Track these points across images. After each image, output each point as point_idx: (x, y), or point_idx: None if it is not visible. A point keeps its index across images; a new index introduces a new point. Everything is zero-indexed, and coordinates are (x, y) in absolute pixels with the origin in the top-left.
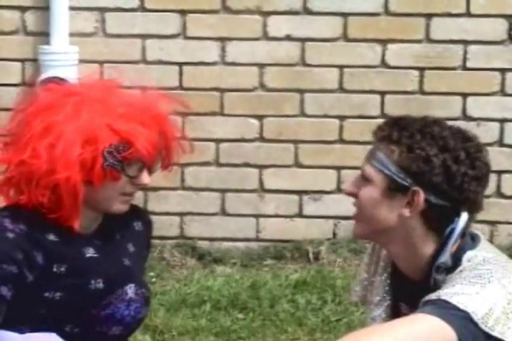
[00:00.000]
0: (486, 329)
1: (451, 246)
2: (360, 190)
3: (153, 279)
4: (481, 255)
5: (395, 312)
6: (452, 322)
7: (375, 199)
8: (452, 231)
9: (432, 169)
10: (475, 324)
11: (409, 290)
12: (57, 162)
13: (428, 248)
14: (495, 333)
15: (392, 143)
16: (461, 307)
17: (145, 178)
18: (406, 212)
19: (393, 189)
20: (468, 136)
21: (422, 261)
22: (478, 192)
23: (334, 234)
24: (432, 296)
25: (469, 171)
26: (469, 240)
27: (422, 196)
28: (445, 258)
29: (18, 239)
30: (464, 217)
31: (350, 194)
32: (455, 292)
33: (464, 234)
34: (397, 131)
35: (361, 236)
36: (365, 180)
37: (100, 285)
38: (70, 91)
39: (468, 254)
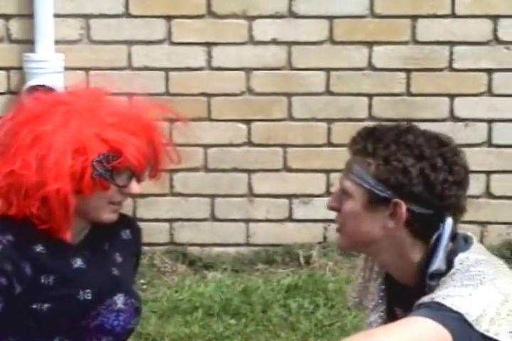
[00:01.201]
0: (481, 330)
1: (442, 252)
2: (342, 204)
3: (144, 286)
4: (473, 257)
5: (390, 318)
6: (447, 324)
7: (357, 213)
8: (439, 237)
9: (411, 180)
10: (469, 325)
11: (404, 295)
12: (48, 173)
13: (416, 255)
14: (490, 334)
15: (368, 156)
16: (455, 308)
17: (134, 187)
18: (390, 224)
19: (374, 202)
20: (443, 140)
21: (411, 268)
22: (460, 195)
23: (325, 238)
24: (426, 299)
25: (449, 177)
26: (462, 242)
27: (403, 207)
28: (437, 265)
29: (6, 250)
30: (449, 222)
31: (332, 209)
32: (448, 294)
33: (454, 236)
34: (371, 143)
35: (346, 248)
36: (345, 194)
37: (89, 295)
38: (58, 101)
39: (460, 257)
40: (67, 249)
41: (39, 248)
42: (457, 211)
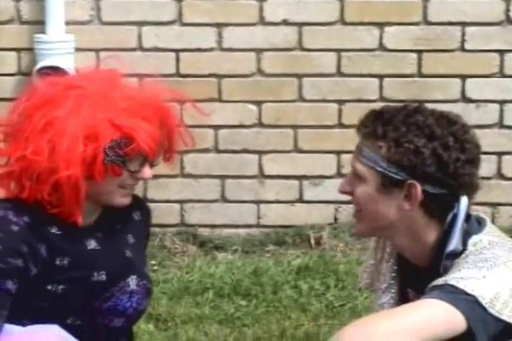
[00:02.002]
0: (495, 313)
1: (459, 232)
2: (355, 188)
3: (155, 267)
4: (487, 239)
5: (402, 299)
6: (460, 306)
7: (371, 196)
8: (455, 216)
9: (424, 160)
10: (483, 308)
11: (416, 277)
12: (60, 159)
13: (431, 235)
14: (503, 317)
15: (379, 139)
16: (469, 291)
17: (146, 172)
18: (405, 206)
19: (388, 185)
20: (452, 118)
21: (426, 249)
22: (473, 173)
23: (335, 219)
24: (439, 281)
25: (461, 155)
26: (475, 224)
27: (418, 188)
28: (454, 245)
29: (23, 231)
30: (464, 201)
31: (345, 192)
32: (462, 276)
33: (468, 217)
34: (381, 126)
35: (364, 235)
36: (358, 178)
37: (103, 277)
38: (71, 85)
39: (474, 239)
40: (81, 231)
41: (54, 230)
42: (471, 189)
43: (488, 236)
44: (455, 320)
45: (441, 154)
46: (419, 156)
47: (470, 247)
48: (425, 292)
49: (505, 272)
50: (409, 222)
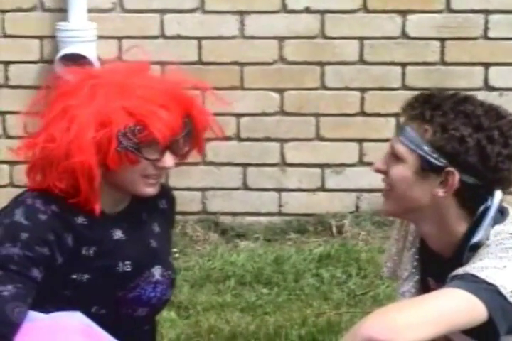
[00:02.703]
0: None
1: (488, 224)
2: (391, 167)
3: (177, 255)
4: (509, 229)
5: (423, 287)
6: (481, 296)
7: (407, 178)
8: (486, 209)
9: (467, 150)
10: (504, 297)
11: (438, 266)
12: (72, 145)
13: (461, 226)
14: None
15: (425, 122)
16: (490, 281)
17: (167, 161)
18: (440, 192)
19: (427, 169)
20: (501, 113)
21: (453, 239)
22: (511, 169)
23: (357, 207)
24: (460, 271)
25: (503, 150)
26: (498, 214)
27: (456, 176)
28: (480, 236)
29: (51, 221)
30: (498, 195)
31: (379, 171)
32: (483, 266)
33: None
34: (429, 110)
35: (391, 214)
36: (396, 158)
37: (128, 267)
38: (89, 75)
39: (496, 229)
40: (107, 221)
41: (81, 219)
42: (507, 184)
43: (510, 227)
44: (476, 309)
45: (484, 146)
46: (463, 145)
47: (492, 237)
48: (446, 281)
49: None
50: (439, 209)
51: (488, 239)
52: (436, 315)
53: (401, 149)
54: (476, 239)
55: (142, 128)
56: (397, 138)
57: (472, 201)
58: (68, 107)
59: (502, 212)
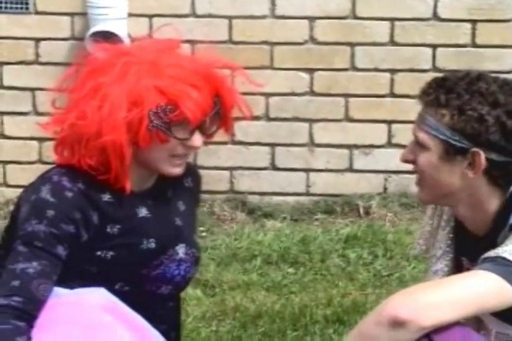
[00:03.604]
0: None
1: None
2: (418, 156)
3: (204, 234)
4: None
5: (457, 267)
6: (510, 279)
7: (434, 164)
8: None
9: (488, 128)
10: None
11: (472, 245)
12: (104, 124)
13: (493, 204)
14: None
15: (442, 107)
16: None
17: (196, 141)
18: (469, 174)
19: (451, 153)
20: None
21: (487, 218)
22: None
23: (385, 189)
24: (491, 253)
25: None
26: None
27: (482, 156)
28: None
29: (77, 198)
30: None
31: (407, 161)
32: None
33: None
34: (443, 94)
35: (427, 202)
36: (420, 146)
37: (152, 245)
38: (122, 52)
39: None
40: (132, 199)
41: (106, 197)
42: None
43: None
44: (505, 292)
45: (505, 122)
46: (483, 124)
47: None
48: (478, 262)
49: None
50: (472, 190)
51: None
52: (463, 297)
53: (423, 137)
54: None
55: (173, 108)
56: (417, 127)
57: (503, 178)
58: (100, 85)
59: None
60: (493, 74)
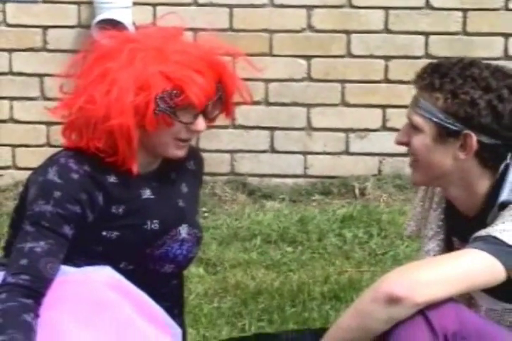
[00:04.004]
0: None
1: (511, 182)
2: (412, 138)
3: (206, 214)
4: None
5: (448, 246)
6: (501, 257)
7: (428, 146)
8: (507, 166)
9: (479, 111)
10: None
11: (463, 226)
12: (112, 108)
13: (484, 185)
14: None
15: (436, 91)
16: (511, 243)
17: (199, 124)
18: (461, 155)
19: (444, 135)
20: (507, 72)
21: (478, 199)
22: None
23: (379, 171)
24: (482, 233)
25: None
26: None
27: (474, 138)
28: (506, 195)
29: (83, 180)
30: None
31: (401, 143)
32: (504, 229)
33: None
34: (438, 78)
35: (420, 183)
36: (414, 129)
37: (156, 225)
38: (128, 39)
39: None
40: (137, 180)
41: (112, 178)
42: None
43: None
44: (495, 270)
45: (496, 106)
46: (475, 107)
47: None
48: (469, 242)
49: None
50: (463, 171)
51: (511, 202)
52: (456, 274)
53: (417, 119)
54: (502, 197)
55: (179, 93)
56: (412, 110)
57: (493, 160)
58: (108, 70)
59: None
60: (484, 61)
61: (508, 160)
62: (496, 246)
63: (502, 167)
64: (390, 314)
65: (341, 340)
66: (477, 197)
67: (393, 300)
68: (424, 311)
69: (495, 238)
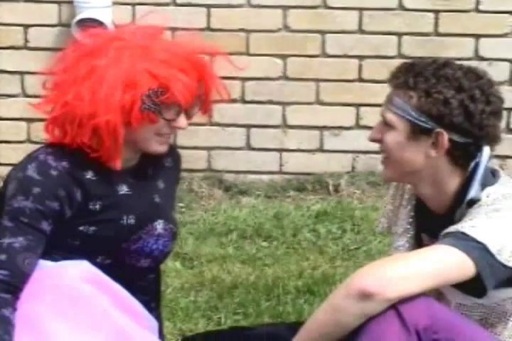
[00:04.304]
0: (502, 261)
1: (479, 180)
2: (385, 135)
3: (183, 209)
4: (500, 191)
5: (417, 243)
6: (470, 253)
7: (400, 143)
8: (477, 165)
9: (452, 110)
10: (492, 255)
11: (432, 222)
12: (99, 105)
13: (454, 183)
14: (510, 264)
15: (410, 89)
16: (479, 239)
17: (181, 121)
18: (432, 153)
19: (417, 132)
20: (479, 73)
21: (447, 196)
22: (496, 125)
23: (353, 168)
24: (451, 229)
25: (486, 108)
26: (490, 176)
27: (445, 136)
28: (475, 192)
29: (61, 176)
30: (487, 150)
31: (374, 140)
32: (473, 225)
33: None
34: (412, 77)
35: (391, 180)
36: (388, 126)
37: (132, 220)
38: (114, 37)
39: (488, 190)
40: (114, 176)
41: (89, 175)
42: (493, 140)
43: (501, 188)
44: (465, 266)
45: (468, 105)
46: (448, 106)
47: (484, 198)
48: (439, 238)
49: None
50: (434, 169)
51: (479, 199)
52: (427, 270)
53: (391, 117)
54: (470, 195)
55: (165, 91)
56: (386, 108)
57: (463, 158)
58: (96, 67)
59: (494, 174)
60: (456, 62)
61: (477, 159)
62: (465, 242)
63: (472, 165)
64: (362, 309)
65: (316, 334)
66: (447, 195)
67: (365, 296)
68: (396, 306)
69: (464, 234)
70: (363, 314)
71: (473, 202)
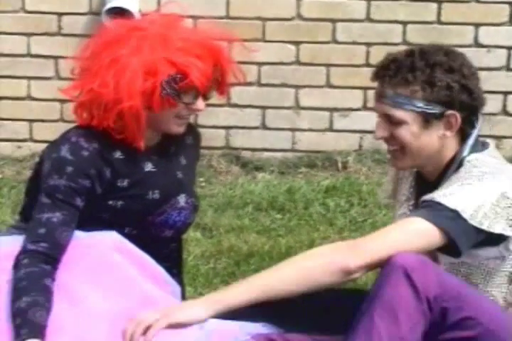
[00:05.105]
0: (475, 224)
1: (471, 145)
2: (396, 132)
3: (203, 184)
4: (482, 158)
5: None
6: (442, 223)
7: (415, 133)
8: (472, 131)
9: (456, 92)
10: (464, 220)
11: (428, 190)
12: (122, 92)
13: (452, 151)
14: (483, 227)
15: (411, 84)
16: (452, 207)
17: (200, 104)
18: (447, 133)
19: (429, 120)
20: (455, 51)
21: (443, 163)
22: (482, 89)
23: (360, 146)
24: (427, 197)
25: (475, 79)
26: (479, 145)
27: (458, 116)
28: (466, 153)
29: (92, 156)
30: (481, 117)
31: (383, 138)
32: (447, 193)
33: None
34: (408, 73)
35: (406, 168)
36: (396, 123)
37: (156, 195)
38: (135, 27)
39: (471, 156)
40: (139, 155)
41: (117, 154)
42: (484, 104)
43: (485, 156)
44: (432, 235)
45: (465, 83)
46: (451, 89)
47: (465, 163)
48: (419, 204)
49: (488, 187)
50: (444, 148)
51: (462, 165)
52: (396, 244)
53: (398, 114)
54: (461, 156)
55: (183, 77)
56: (391, 107)
57: (469, 129)
58: (120, 56)
59: (483, 145)
60: (456, 48)
61: (475, 126)
62: (437, 212)
63: (471, 133)
64: (341, 281)
65: (281, 291)
66: (443, 162)
67: (348, 272)
68: (410, 274)
69: (438, 203)
70: (342, 283)
71: (460, 166)
